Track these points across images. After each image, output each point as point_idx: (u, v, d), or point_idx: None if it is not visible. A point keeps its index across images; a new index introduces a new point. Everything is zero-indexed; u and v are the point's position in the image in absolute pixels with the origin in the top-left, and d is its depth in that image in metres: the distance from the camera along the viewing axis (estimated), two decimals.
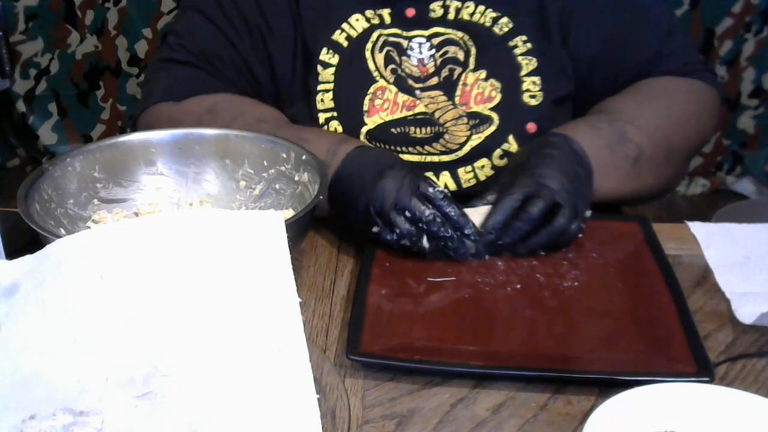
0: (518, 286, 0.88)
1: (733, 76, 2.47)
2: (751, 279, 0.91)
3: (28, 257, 0.68)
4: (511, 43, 1.09)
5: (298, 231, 0.84)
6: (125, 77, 2.57)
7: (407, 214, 0.87)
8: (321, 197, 0.84)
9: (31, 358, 0.63)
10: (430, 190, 0.88)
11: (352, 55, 1.09)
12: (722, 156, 2.59)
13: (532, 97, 1.08)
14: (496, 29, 1.09)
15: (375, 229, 0.89)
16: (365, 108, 1.08)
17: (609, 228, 0.99)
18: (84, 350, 0.63)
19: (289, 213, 0.90)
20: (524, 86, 1.08)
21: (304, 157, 0.92)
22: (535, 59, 1.08)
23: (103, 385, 0.61)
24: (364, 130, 1.08)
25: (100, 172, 0.94)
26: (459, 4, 1.10)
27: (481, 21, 1.10)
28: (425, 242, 0.88)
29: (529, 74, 1.08)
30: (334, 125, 1.08)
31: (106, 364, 0.62)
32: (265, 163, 0.96)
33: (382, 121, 1.08)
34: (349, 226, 0.95)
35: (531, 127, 1.07)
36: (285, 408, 0.60)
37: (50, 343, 0.63)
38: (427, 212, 0.87)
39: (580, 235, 0.92)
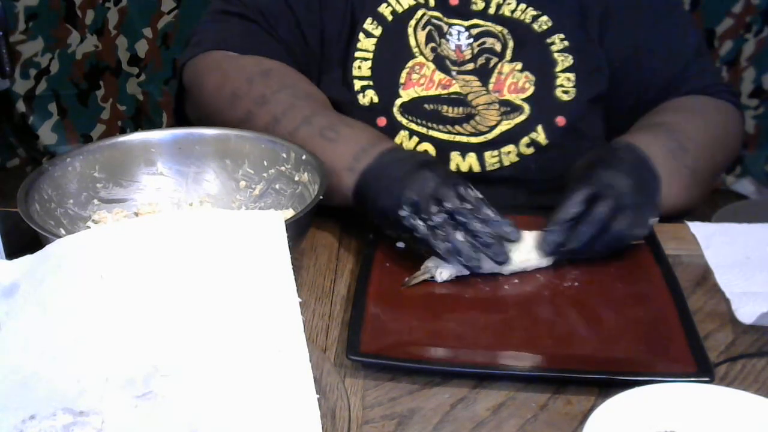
0: (518, 285, 0.88)
1: (733, 76, 2.47)
2: (751, 279, 0.91)
3: (28, 257, 0.68)
4: (549, 40, 1.11)
5: (298, 231, 0.84)
6: (125, 77, 2.57)
7: (443, 205, 0.85)
8: (321, 197, 0.84)
9: (31, 358, 0.63)
10: (470, 191, 0.86)
11: (395, 29, 1.11)
12: None
13: (565, 92, 1.09)
14: (535, 26, 1.11)
15: (403, 213, 0.86)
16: (401, 80, 1.09)
17: None
18: (84, 350, 0.63)
19: (289, 213, 0.90)
20: (558, 81, 1.09)
21: (304, 157, 0.92)
22: (571, 56, 1.10)
23: (103, 385, 0.61)
24: (398, 102, 1.09)
25: (100, 172, 0.94)
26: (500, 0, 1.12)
27: (522, 17, 1.11)
28: (459, 236, 0.84)
29: (564, 70, 1.10)
30: (370, 94, 1.09)
31: (106, 364, 0.62)
32: (265, 163, 0.96)
33: (416, 95, 1.09)
34: (367, 218, 0.94)
35: (560, 120, 1.08)
36: (285, 408, 0.60)
37: (50, 343, 0.63)
38: (468, 206, 0.85)
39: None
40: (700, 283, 0.91)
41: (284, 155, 0.94)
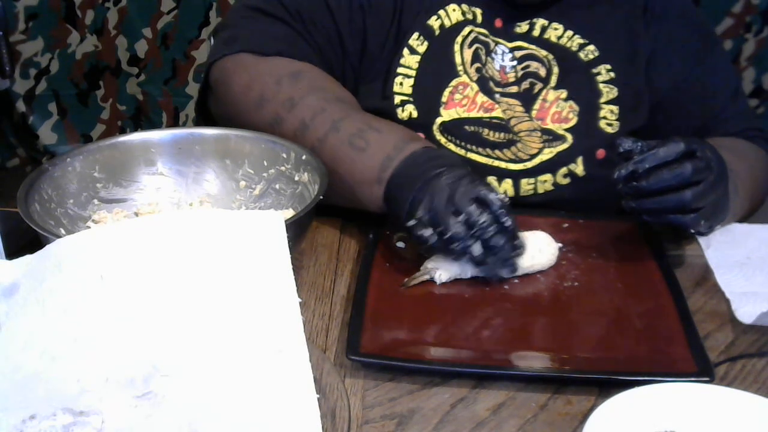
0: (518, 286, 0.88)
1: None
2: (751, 279, 0.91)
3: (28, 257, 0.68)
4: (595, 70, 1.09)
5: (298, 231, 0.84)
6: (125, 77, 2.57)
7: (461, 217, 0.84)
8: (321, 197, 0.84)
9: (31, 358, 0.63)
10: (490, 195, 0.84)
11: (441, 44, 1.09)
12: None
13: (609, 125, 1.08)
14: (581, 55, 1.10)
15: (410, 223, 0.86)
16: (443, 99, 1.07)
17: (609, 228, 0.99)
18: (84, 350, 0.63)
19: (289, 213, 0.90)
20: (601, 113, 1.08)
21: (304, 157, 0.92)
22: (616, 89, 1.09)
23: (103, 385, 0.61)
24: (438, 120, 1.07)
25: (100, 172, 0.94)
26: (546, 22, 1.10)
27: (568, 45, 1.10)
28: (477, 249, 0.84)
29: (608, 102, 1.08)
30: (410, 109, 1.07)
31: (106, 364, 0.62)
32: (265, 163, 0.96)
33: (457, 116, 1.07)
34: (399, 223, 0.92)
35: (601, 153, 1.07)
36: (285, 408, 0.60)
37: (50, 343, 0.63)
38: (484, 218, 0.83)
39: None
40: (700, 283, 0.91)
41: (284, 155, 0.94)
